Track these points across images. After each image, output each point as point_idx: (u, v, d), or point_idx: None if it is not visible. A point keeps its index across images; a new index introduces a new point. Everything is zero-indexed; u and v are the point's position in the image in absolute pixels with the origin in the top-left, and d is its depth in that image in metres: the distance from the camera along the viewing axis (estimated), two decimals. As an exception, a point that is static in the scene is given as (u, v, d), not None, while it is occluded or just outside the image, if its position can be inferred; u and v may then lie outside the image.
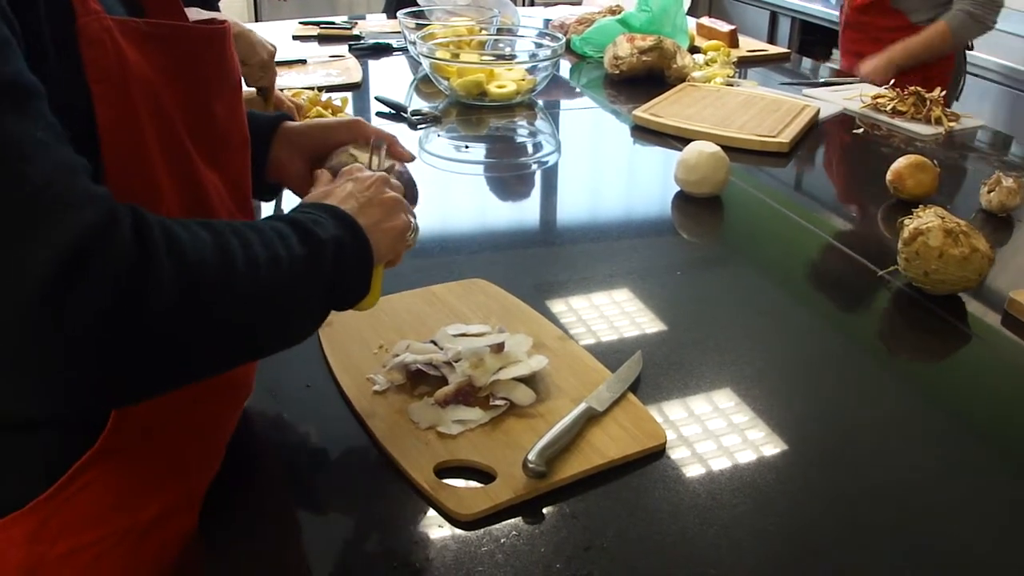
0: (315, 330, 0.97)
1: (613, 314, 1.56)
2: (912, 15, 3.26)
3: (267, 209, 1.79)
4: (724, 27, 3.71)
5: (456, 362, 1.26)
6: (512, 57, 3.01)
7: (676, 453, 1.19)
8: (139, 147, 0.84)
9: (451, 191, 2.16)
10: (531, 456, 1.09)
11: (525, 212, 2.10)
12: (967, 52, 3.56)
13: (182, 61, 0.92)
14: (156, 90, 0.87)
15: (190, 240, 0.77)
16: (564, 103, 2.95)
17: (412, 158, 1.27)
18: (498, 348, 1.27)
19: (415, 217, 1.13)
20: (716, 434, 1.24)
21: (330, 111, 2.37)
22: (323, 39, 3.52)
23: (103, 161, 0.81)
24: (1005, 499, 1.17)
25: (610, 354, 1.38)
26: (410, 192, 1.20)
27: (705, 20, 3.87)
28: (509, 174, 2.28)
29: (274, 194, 1.32)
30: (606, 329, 1.51)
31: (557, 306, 1.57)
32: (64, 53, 0.78)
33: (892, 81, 2.97)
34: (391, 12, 4.08)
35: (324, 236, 0.92)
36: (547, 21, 3.80)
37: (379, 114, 2.58)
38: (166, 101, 0.89)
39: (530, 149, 2.53)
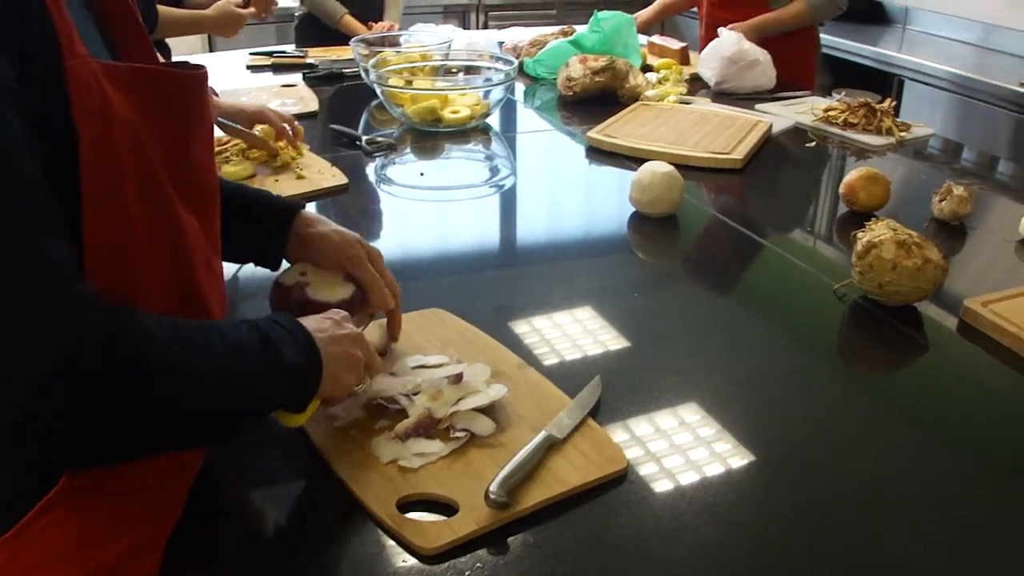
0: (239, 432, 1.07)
1: (575, 332, 1.57)
2: (774, 3, 3.59)
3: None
4: (675, 44, 3.74)
5: (415, 395, 1.26)
6: (465, 82, 3.01)
7: (639, 474, 1.19)
8: (119, 187, 0.87)
9: (409, 218, 2.16)
10: (493, 487, 1.09)
11: (484, 235, 2.10)
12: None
13: (162, 104, 0.95)
14: (137, 131, 0.90)
15: (165, 350, 0.87)
16: (519, 126, 2.97)
17: (396, 339, 1.43)
18: (456, 379, 1.27)
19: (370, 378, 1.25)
20: (677, 453, 1.24)
21: (285, 142, 2.37)
22: (277, 68, 3.52)
23: (83, 200, 0.84)
24: (968, 505, 1.18)
25: (571, 377, 1.39)
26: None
27: (656, 39, 3.90)
28: (466, 199, 2.28)
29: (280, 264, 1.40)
30: (567, 348, 1.51)
31: (520, 327, 1.58)
32: (51, 93, 0.82)
33: (839, 95, 3.00)
34: (301, 42, 4.08)
35: (289, 360, 1.03)
36: (500, 43, 3.81)
37: (333, 143, 2.58)
38: (146, 142, 0.91)
39: (486, 173, 2.53)
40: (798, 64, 3.55)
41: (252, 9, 3.39)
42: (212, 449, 1.19)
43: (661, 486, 1.18)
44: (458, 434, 1.21)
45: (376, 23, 4.15)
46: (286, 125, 2.30)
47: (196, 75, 1.00)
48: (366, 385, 1.24)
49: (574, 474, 1.16)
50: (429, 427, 1.22)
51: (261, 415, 1.07)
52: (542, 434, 1.20)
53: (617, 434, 1.28)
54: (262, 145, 2.27)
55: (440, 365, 1.35)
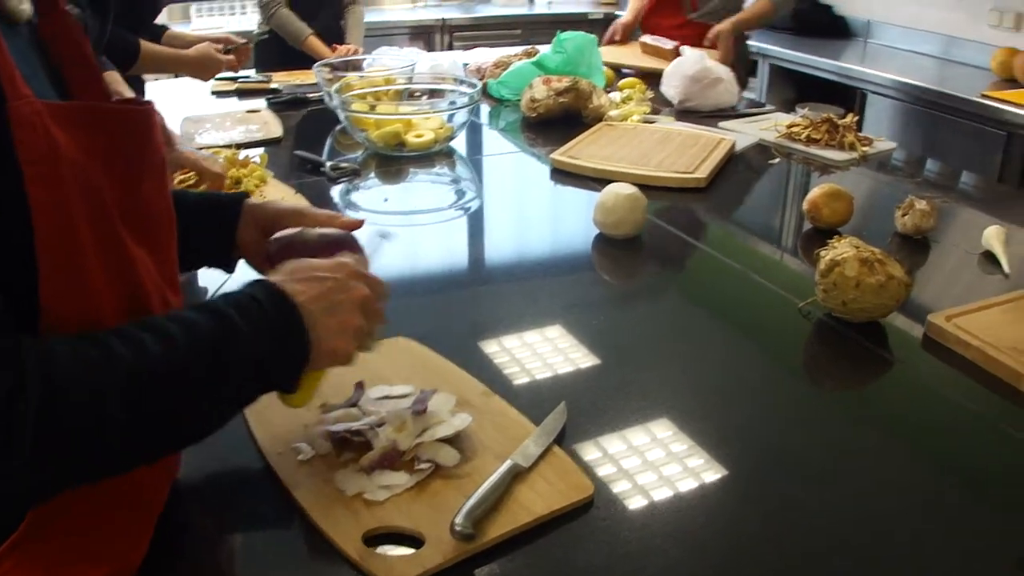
0: (230, 419, 1.04)
1: (545, 351, 1.58)
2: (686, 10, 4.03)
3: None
4: (668, 44, 3.85)
5: (379, 427, 1.25)
6: (430, 105, 3.00)
7: (608, 496, 1.20)
8: (70, 227, 0.86)
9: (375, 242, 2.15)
10: (458, 519, 1.09)
11: (452, 258, 2.10)
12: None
13: (110, 142, 0.94)
14: (86, 171, 0.89)
15: (65, 355, 0.85)
16: (483, 148, 2.97)
17: (360, 224, 1.35)
18: (421, 410, 1.26)
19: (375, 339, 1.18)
20: (644, 473, 1.24)
21: (249, 170, 2.36)
22: (242, 94, 3.51)
23: (36, 242, 0.83)
24: (939, 517, 1.20)
25: (538, 402, 1.39)
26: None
27: (648, 38, 4.03)
28: (433, 223, 2.28)
29: (234, 266, 1.37)
30: (537, 368, 1.53)
31: (490, 347, 1.60)
32: None
33: (802, 110, 3.02)
34: (263, 66, 4.07)
35: (247, 337, 0.99)
36: (465, 65, 3.82)
37: (297, 169, 2.57)
38: (96, 181, 0.90)
39: (452, 196, 2.53)
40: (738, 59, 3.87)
41: (232, 57, 3.38)
42: (177, 485, 1.18)
43: (628, 511, 1.18)
44: (423, 465, 1.20)
45: (339, 46, 4.16)
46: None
47: (142, 111, 0.99)
48: (375, 344, 1.18)
49: (540, 503, 1.16)
50: (394, 459, 1.21)
51: (236, 405, 1.04)
52: (507, 463, 1.20)
53: (587, 452, 1.29)
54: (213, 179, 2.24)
55: (405, 396, 1.34)
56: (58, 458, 0.84)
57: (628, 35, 4.27)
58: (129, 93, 2.52)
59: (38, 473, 0.83)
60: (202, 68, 3.29)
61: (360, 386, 1.36)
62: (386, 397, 1.35)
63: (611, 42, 4.27)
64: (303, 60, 3.94)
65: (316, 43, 4.11)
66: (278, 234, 1.29)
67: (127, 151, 0.96)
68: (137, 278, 0.96)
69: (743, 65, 4.23)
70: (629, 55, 4.07)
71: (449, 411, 1.29)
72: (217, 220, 1.29)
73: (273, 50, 4.20)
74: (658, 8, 4.25)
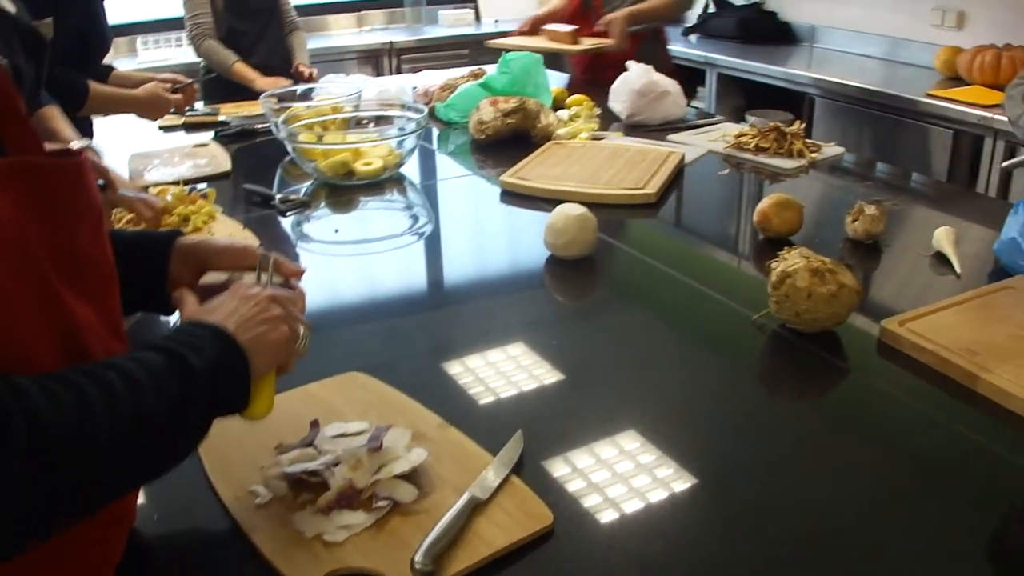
0: (196, 446, 1.03)
1: (508, 370, 1.60)
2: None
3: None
4: (566, 28, 4.02)
5: (335, 466, 1.24)
6: (378, 133, 2.99)
7: (575, 514, 1.20)
8: (2, 285, 0.84)
9: (330, 274, 2.15)
10: (418, 556, 1.08)
11: (407, 284, 2.09)
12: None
13: (40, 197, 0.93)
14: (17, 227, 0.88)
15: (43, 399, 0.83)
16: (434, 173, 2.96)
17: (301, 272, 1.33)
18: (376, 447, 1.25)
19: (306, 326, 1.19)
20: (602, 496, 1.24)
21: (197, 206, 2.34)
22: (189, 127, 3.48)
23: None
24: (899, 519, 1.20)
25: (498, 425, 1.38)
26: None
27: (548, 26, 4.14)
28: (386, 250, 2.26)
29: (174, 308, 1.32)
30: (498, 387, 1.54)
31: (453, 368, 1.62)
32: None
33: (751, 118, 3.04)
34: (210, 98, 4.05)
35: (199, 366, 0.98)
36: (413, 88, 3.81)
37: (247, 203, 2.55)
38: (27, 237, 0.89)
39: (404, 223, 2.52)
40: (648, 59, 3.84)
41: (180, 97, 3.34)
42: (134, 534, 1.16)
43: (588, 538, 1.18)
44: (381, 503, 1.19)
45: (303, 68, 4.23)
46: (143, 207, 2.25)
47: (72, 163, 0.98)
48: (305, 335, 1.19)
49: (499, 535, 1.15)
50: (352, 498, 1.20)
51: (200, 428, 1.02)
52: (465, 496, 1.19)
53: (559, 462, 1.31)
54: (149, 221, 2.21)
55: (360, 432, 1.33)
56: (45, 492, 0.83)
57: (534, 28, 4.42)
58: (68, 131, 2.50)
59: (25, 507, 0.83)
60: (151, 108, 3.25)
61: (315, 425, 1.35)
62: (341, 435, 1.33)
63: (520, 33, 4.40)
64: (250, 92, 3.93)
65: (242, 69, 4.10)
66: (209, 276, 1.28)
67: (59, 204, 0.95)
68: (75, 329, 0.95)
69: (664, 68, 4.21)
70: (532, 41, 4.20)
71: (405, 446, 1.28)
72: (147, 259, 1.27)
73: (222, 82, 4.17)
74: (574, 18, 4.30)
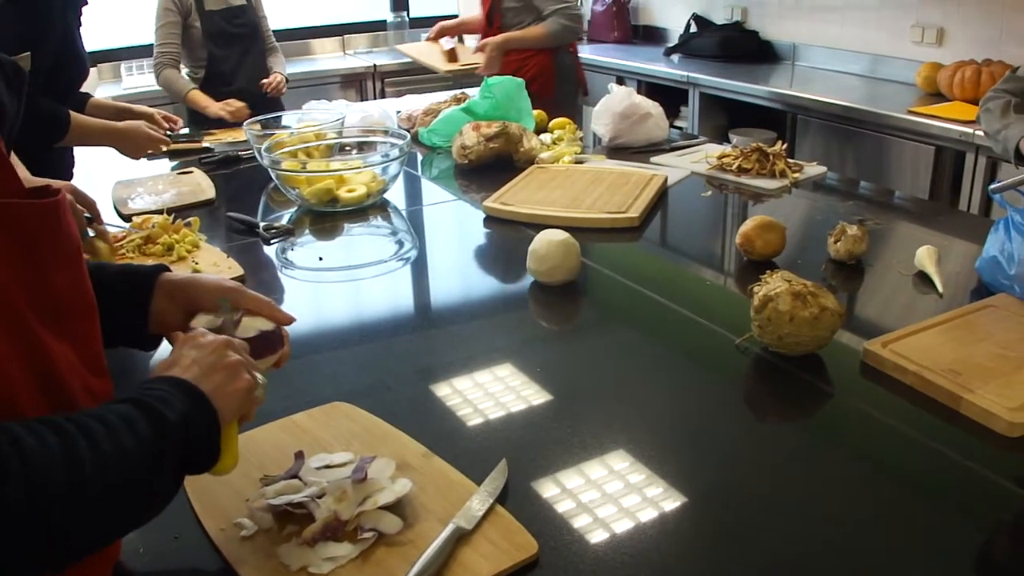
0: (170, 502, 1.01)
1: (496, 390, 1.61)
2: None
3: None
4: (448, 45, 4.22)
5: (320, 497, 1.24)
6: (362, 159, 2.99)
7: (552, 555, 1.19)
8: None
9: (315, 301, 2.16)
10: (403, 587, 1.08)
11: (392, 309, 2.09)
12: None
13: (15, 239, 0.92)
14: None
15: (38, 452, 0.83)
16: (418, 198, 2.97)
17: (291, 320, 1.32)
18: (360, 478, 1.25)
19: (261, 374, 1.17)
20: (594, 518, 1.24)
21: (181, 235, 2.34)
22: (174, 154, 3.47)
23: None
24: (880, 536, 1.21)
25: (484, 449, 1.38)
26: (272, 346, 1.27)
27: (443, 39, 4.37)
28: (371, 276, 2.26)
29: (155, 344, 1.35)
30: (485, 410, 1.54)
31: (440, 390, 1.63)
32: None
33: (734, 138, 3.05)
34: (197, 128, 4.04)
35: (172, 417, 0.98)
36: (398, 112, 3.82)
37: (231, 231, 2.55)
38: (2, 279, 0.89)
39: (388, 249, 2.52)
40: (539, 79, 4.25)
41: (163, 136, 3.29)
42: (120, 568, 1.16)
43: (573, 567, 1.17)
44: (366, 535, 1.19)
45: (265, 81, 4.27)
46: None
47: (49, 204, 0.97)
48: (264, 381, 1.17)
49: (484, 566, 1.15)
50: (337, 530, 1.20)
51: (175, 481, 1.02)
52: (450, 527, 1.19)
53: (549, 483, 1.31)
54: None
55: (345, 464, 1.33)
56: (39, 539, 0.84)
57: (440, 36, 4.55)
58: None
59: (21, 555, 0.83)
60: (133, 143, 3.23)
61: (300, 456, 1.35)
62: (326, 466, 1.33)
63: (429, 39, 4.54)
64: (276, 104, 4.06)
65: (196, 96, 4.13)
66: (203, 319, 1.26)
67: (37, 244, 0.95)
68: (55, 371, 0.95)
69: (569, 81, 4.53)
70: (426, 52, 4.46)
71: (389, 477, 1.28)
72: (129, 294, 1.27)
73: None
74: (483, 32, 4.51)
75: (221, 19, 4.28)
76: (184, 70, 4.29)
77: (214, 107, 4.03)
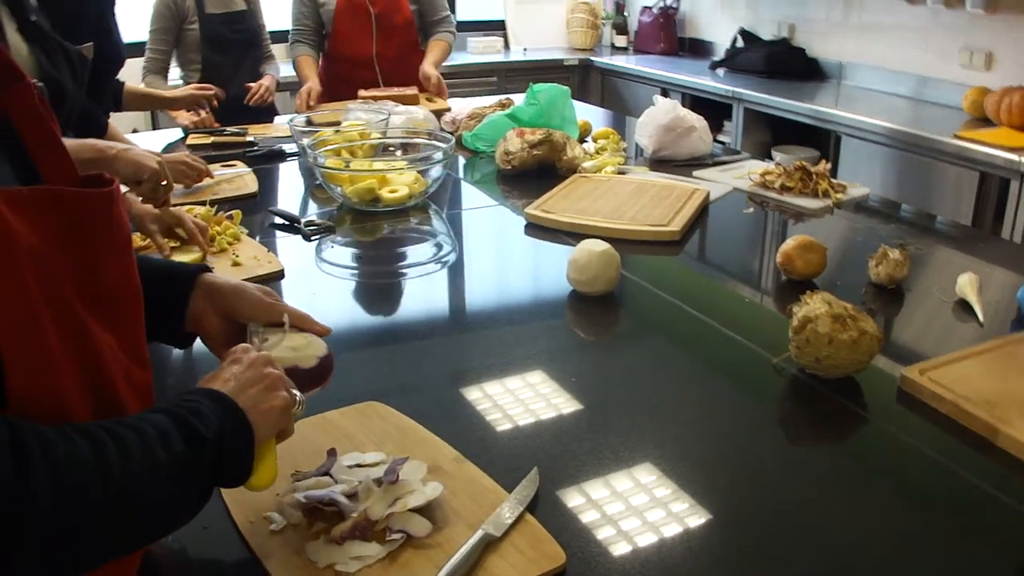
0: (198, 513, 1.02)
1: (528, 397, 1.60)
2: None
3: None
4: (409, 92, 4.26)
5: (351, 496, 1.24)
6: (403, 160, 3.00)
7: (580, 566, 1.19)
8: (29, 315, 0.85)
9: (352, 299, 2.17)
10: (429, 592, 1.08)
11: (428, 312, 2.09)
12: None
13: (68, 226, 0.93)
14: (43, 257, 0.88)
15: (68, 458, 0.84)
16: (459, 202, 2.98)
17: (328, 331, 1.34)
18: (392, 479, 1.25)
19: (300, 392, 1.18)
20: (620, 530, 1.24)
21: (223, 227, 2.36)
22: (217, 147, 3.50)
23: None
24: (913, 571, 1.20)
25: (508, 469, 1.38)
26: (319, 371, 1.29)
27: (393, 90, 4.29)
28: (408, 278, 2.28)
29: (190, 342, 1.36)
30: (517, 415, 1.55)
31: (472, 394, 1.63)
32: None
33: (777, 161, 3.04)
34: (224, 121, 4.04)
35: (205, 432, 0.98)
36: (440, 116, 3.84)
37: (272, 225, 2.57)
38: (54, 267, 0.90)
39: (427, 251, 2.53)
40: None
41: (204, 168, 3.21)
42: (148, 557, 1.17)
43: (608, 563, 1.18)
44: (394, 536, 1.19)
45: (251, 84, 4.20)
46: (197, 230, 2.26)
47: (103, 193, 0.99)
48: (302, 400, 1.18)
49: (512, 573, 1.15)
50: (366, 529, 1.20)
51: (204, 495, 1.02)
52: (479, 533, 1.19)
53: (573, 494, 1.30)
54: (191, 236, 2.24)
55: (377, 464, 1.34)
56: (62, 542, 0.84)
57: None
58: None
59: (42, 560, 0.83)
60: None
61: (332, 453, 1.35)
62: (358, 465, 1.34)
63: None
64: (265, 113, 4.09)
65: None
66: (269, 337, 1.29)
67: (87, 233, 0.96)
68: (100, 358, 0.96)
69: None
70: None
71: (421, 479, 1.28)
72: (169, 292, 1.28)
73: (233, 104, 4.15)
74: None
75: (221, 24, 4.24)
76: (178, 73, 4.30)
77: (183, 116, 3.93)
